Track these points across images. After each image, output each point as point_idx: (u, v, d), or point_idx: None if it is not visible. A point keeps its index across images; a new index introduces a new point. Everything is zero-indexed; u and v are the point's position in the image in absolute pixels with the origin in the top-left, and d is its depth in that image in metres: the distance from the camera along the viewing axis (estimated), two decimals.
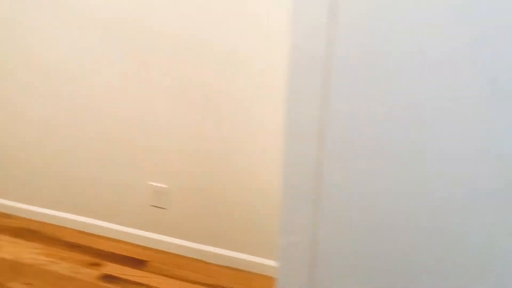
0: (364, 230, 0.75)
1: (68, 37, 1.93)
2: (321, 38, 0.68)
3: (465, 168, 0.66)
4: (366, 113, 0.69)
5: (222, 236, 1.95)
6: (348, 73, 0.68)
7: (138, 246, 2.12)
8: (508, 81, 0.60)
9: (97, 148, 2.07)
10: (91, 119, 2.03)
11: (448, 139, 0.66)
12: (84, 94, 2.00)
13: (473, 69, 0.62)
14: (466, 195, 0.67)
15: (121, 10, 1.79)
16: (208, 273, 1.92)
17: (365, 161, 0.72)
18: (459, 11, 0.60)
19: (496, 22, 0.59)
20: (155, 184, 2.01)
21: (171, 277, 1.90)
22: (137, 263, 2.00)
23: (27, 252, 2.06)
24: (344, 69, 0.68)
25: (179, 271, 1.94)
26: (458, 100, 0.64)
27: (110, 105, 1.97)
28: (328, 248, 0.79)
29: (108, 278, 1.89)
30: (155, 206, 2.05)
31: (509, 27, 0.59)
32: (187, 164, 1.92)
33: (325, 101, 0.71)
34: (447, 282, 0.72)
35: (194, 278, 1.89)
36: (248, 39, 1.63)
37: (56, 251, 2.07)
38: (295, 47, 0.70)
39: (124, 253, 2.07)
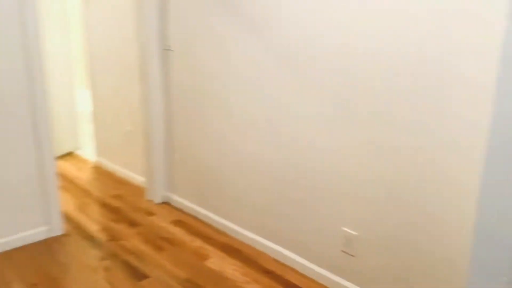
0: None
1: (283, 79, 2.18)
2: None
3: None
4: None
5: None
6: None
7: (321, 285, 2.18)
8: None
9: (299, 189, 2.23)
10: (297, 162, 2.22)
11: None
12: (294, 136, 2.20)
13: None
14: None
15: (337, 60, 1.93)
16: None
17: None
18: None
19: None
20: (347, 230, 2.04)
21: None
22: None
23: (228, 267, 2.35)
24: None
25: None
26: None
27: (316, 153, 2.11)
28: None
29: None
30: (344, 252, 2.07)
31: None
32: (379, 212, 1.89)
33: None
34: None
35: None
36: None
37: (252, 273, 2.30)
38: None
39: None
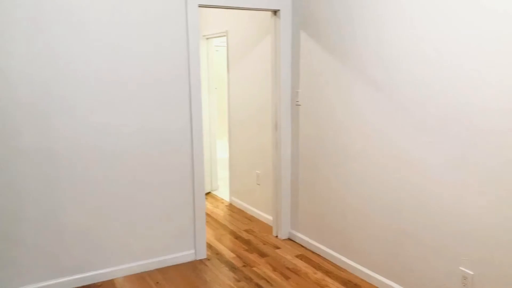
0: None
1: (393, 125, 2.44)
2: None
3: None
4: None
5: None
6: None
7: None
8: None
9: (419, 227, 2.42)
10: (418, 201, 2.42)
11: None
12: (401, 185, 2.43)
13: None
14: None
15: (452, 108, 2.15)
16: None
17: None
18: None
19: None
20: (463, 269, 2.15)
21: None
22: None
23: None
24: None
25: None
26: None
27: (439, 193, 2.31)
28: None
29: None
30: None
31: None
32: (499, 253, 1.98)
33: None
34: None
35: None
36: None
37: None
38: None
39: None
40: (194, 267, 3.05)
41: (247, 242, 3.49)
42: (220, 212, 4.28)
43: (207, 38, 4.82)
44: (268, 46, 3.71)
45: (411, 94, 2.37)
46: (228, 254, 3.26)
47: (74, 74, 2.61)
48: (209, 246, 3.41)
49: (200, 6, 2.96)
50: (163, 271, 2.98)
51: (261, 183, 4.02)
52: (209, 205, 4.51)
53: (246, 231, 3.75)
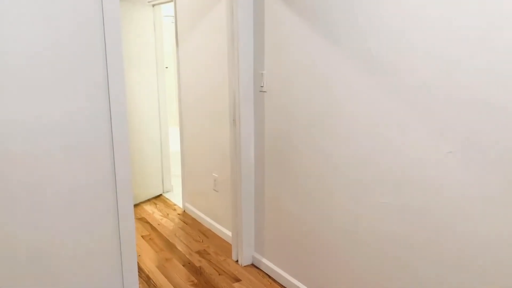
0: None
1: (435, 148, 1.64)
2: None
3: None
4: None
5: None
6: None
7: None
8: None
9: (426, 263, 1.64)
10: (428, 234, 1.64)
11: None
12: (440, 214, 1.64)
13: None
14: None
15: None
16: None
17: None
18: None
19: None
20: None
21: None
22: None
23: None
24: None
25: None
26: None
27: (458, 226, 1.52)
28: None
29: None
30: None
31: None
32: None
33: None
34: None
35: None
36: None
37: None
38: None
39: None
40: None
41: (198, 271, 2.67)
42: (170, 224, 3.44)
43: (153, 5, 3.87)
44: (224, 11, 2.82)
45: (417, 78, 1.56)
46: None
47: None
48: (147, 280, 2.58)
49: None
50: None
51: (219, 189, 3.18)
52: (157, 214, 3.65)
53: (199, 253, 2.93)
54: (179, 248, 3.00)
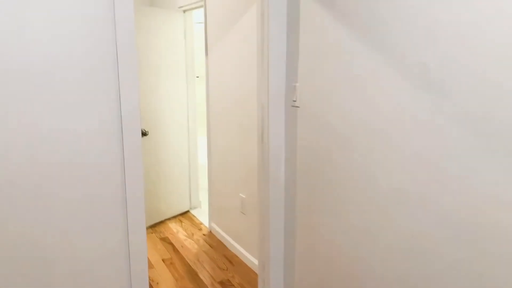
0: None
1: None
2: None
3: None
4: None
5: None
6: None
7: None
8: None
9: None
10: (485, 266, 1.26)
11: None
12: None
13: None
14: None
15: None
16: None
17: None
18: None
19: None
20: None
21: None
22: None
23: None
24: None
25: None
26: None
27: None
28: None
29: None
30: None
31: None
32: None
33: None
34: None
35: None
36: None
37: None
38: None
39: None
40: None
41: None
42: (194, 247, 3.17)
43: (184, 11, 3.66)
44: (255, 16, 2.54)
45: (482, 98, 1.20)
46: None
47: None
48: None
49: None
50: None
51: (246, 211, 2.88)
52: (181, 234, 3.40)
53: (222, 284, 2.64)
54: (201, 276, 2.72)
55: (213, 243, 3.24)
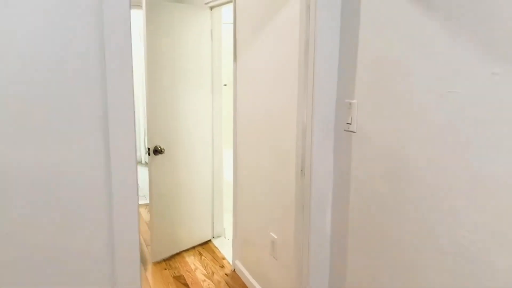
0: None
1: None
2: None
3: None
4: None
5: None
6: None
7: None
8: None
9: None
10: None
11: None
12: None
13: None
14: None
15: None
16: None
17: None
18: None
19: None
20: None
21: None
22: None
23: None
24: None
25: None
26: None
27: None
28: None
29: None
30: None
31: None
32: None
33: None
34: None
35: None
36: None
37: None
38: None
39: None
40: None
41: None
42: None
43: (212, 7, 3.14)
44: (297, 11, 1.96)
45: None
46: None
47: None
48: None
49: None
50: None
51: (278, 256, 2.31)
52: (200, 272, 2.85)
53: None
54: None
55: (237, 284, 2.68)
